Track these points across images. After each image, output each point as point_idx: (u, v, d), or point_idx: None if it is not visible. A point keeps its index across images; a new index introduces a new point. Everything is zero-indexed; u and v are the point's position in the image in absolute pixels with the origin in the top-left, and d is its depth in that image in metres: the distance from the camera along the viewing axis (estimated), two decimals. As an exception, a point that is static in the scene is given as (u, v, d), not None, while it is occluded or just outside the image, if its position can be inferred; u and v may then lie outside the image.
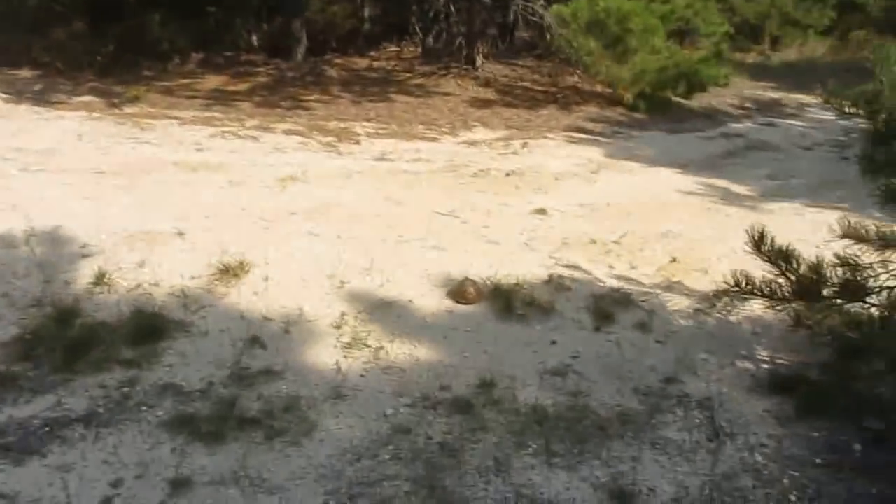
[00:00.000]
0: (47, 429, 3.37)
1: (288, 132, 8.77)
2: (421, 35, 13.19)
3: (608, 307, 4.61)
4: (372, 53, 12.99)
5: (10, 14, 11.05)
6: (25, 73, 10.81)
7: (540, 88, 11.55)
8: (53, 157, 7.11)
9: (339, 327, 4.31)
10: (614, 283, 4.93)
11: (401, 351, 4.13)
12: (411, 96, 10.78)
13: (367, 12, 13.67)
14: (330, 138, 8.61)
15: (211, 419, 3.47)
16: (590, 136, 9.35)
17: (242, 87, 10.88)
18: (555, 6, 10.14)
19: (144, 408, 3.55)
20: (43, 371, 3.77)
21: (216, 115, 9.43)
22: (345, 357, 4.04)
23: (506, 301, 4.62)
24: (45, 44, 11.13)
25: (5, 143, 7.42)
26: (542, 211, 6.25)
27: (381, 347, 4.13)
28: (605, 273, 5.13)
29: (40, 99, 9.65)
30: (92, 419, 3.45)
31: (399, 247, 5.35)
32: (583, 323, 4.49)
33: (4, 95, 9.68)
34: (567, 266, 5.18)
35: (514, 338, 4.32)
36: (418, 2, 13.04)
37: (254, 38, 12.69)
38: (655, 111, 10.54)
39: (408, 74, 11.86)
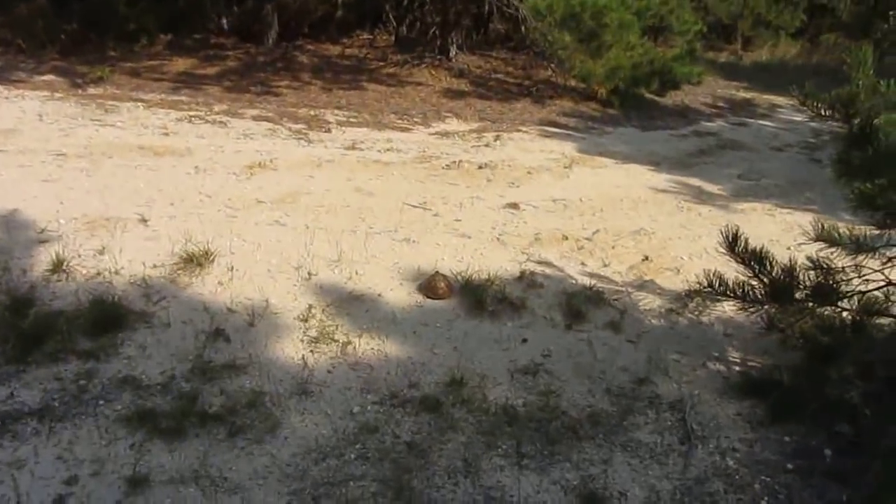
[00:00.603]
0: (-2, 422, 3.24)
1: (257, 118, 8.60)
2: (395, 24, 13.05)
3: (580, 305, 4.56)
4: (344, 40, 12.78)
5: (-33, -11, 10.72)
6: (-15, 50, 10.49)
7: (514, 81, 11.48)
8: (12, 138, 6.90)
9: (305, 321, 4.21)
10: (586, 281, 4.88)
11: (369, 346, 4.04)
12: (384, 85, 10.64)
13: (340, -2, 13.49)
14: (300, 126, 8.46)
15: (171, 414, 3.36)
16: (563, 131, 9.30)
17: (211, 70, 10.65)
18: (530, -2, 10.07)
19: (102, 402, 3.43)
20: (-5, 361, 3.63)
21: (183, 98, 9.22)
22: (311, 352, 3.94)
23: (477, 297, 4.54)
24: (5, 20, 10.79)
25: (-38, 121, 7.19)
26: (514, 205, 6.19)
27: (349, 342, 4.04)
28: (577, 270, 5.08)
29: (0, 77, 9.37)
30: (46, 413, 3.32)
31: (369, 238, 5.25)
32: (554, 321, 4.44)
33: (-38, 73, 9.38)
34: (539, 262, 5.13)
35: (485, 335, 4.25)
36: (393, -10, 12.90)
37: (224, 21, 12.43)
38: (629, 107, 10.53)
39: (380, 63, 11.71)
